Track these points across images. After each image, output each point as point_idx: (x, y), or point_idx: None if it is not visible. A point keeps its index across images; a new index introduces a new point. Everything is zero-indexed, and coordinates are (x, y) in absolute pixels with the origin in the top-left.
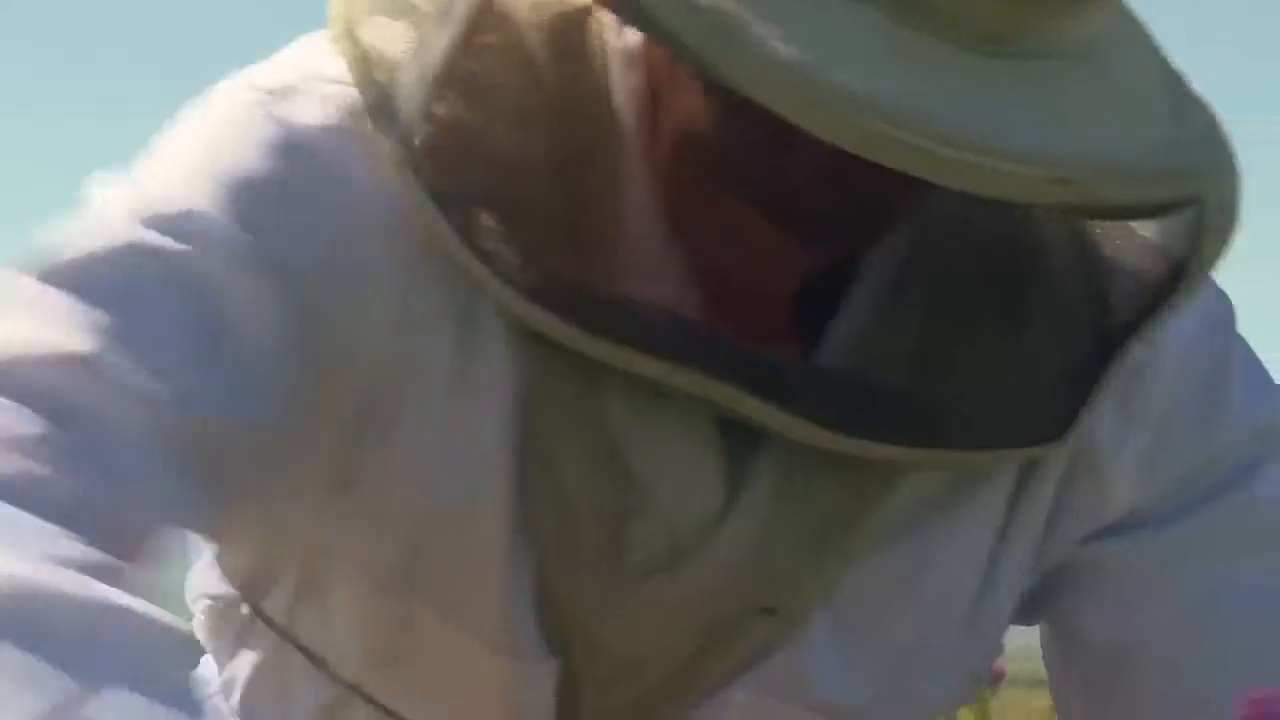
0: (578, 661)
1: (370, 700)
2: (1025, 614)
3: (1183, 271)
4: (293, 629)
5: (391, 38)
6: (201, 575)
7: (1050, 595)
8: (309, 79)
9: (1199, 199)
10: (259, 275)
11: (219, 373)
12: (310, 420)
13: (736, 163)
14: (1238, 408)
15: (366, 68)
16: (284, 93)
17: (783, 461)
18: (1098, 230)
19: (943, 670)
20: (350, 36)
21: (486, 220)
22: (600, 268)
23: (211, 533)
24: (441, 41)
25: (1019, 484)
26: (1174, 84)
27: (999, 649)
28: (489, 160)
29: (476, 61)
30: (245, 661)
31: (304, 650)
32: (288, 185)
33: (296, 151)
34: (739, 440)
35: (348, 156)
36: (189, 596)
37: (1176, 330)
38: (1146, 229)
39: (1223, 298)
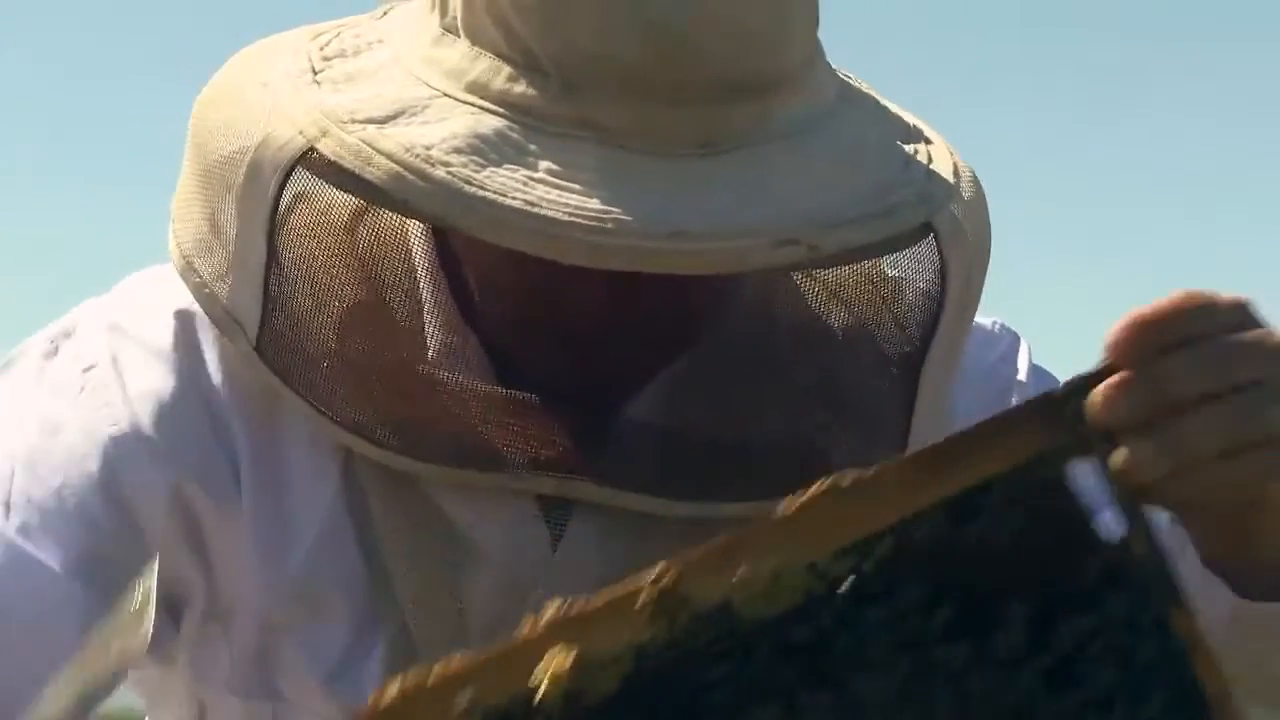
0: None
1: None
2: None
3: (945, 288)
4: None
5: (218, 268)
6: None
7: None
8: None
9: (931, 228)
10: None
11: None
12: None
13: (522, 303)
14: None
15: (212, 299)
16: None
17: (603, 511)
18: (888, 279)
19: None
20: (191, 270)
21: (323, 382)
22: (419, 394)
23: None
24: (254, 267)
25: None
26: (901, 137)
27: None
28: (318, 335)
29: (286, 267)
30: None
31: None
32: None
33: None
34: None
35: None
36: None
37: (970, 365)
38: (923, 271)
39: (1012, 337)
